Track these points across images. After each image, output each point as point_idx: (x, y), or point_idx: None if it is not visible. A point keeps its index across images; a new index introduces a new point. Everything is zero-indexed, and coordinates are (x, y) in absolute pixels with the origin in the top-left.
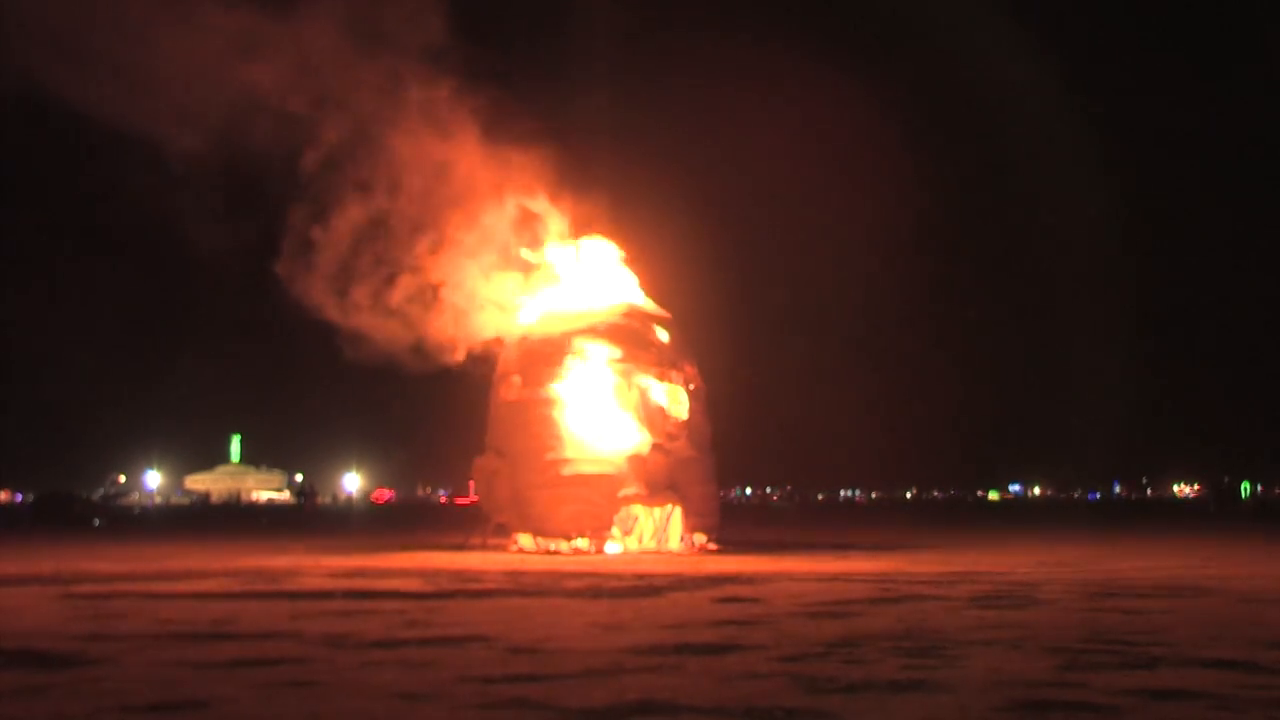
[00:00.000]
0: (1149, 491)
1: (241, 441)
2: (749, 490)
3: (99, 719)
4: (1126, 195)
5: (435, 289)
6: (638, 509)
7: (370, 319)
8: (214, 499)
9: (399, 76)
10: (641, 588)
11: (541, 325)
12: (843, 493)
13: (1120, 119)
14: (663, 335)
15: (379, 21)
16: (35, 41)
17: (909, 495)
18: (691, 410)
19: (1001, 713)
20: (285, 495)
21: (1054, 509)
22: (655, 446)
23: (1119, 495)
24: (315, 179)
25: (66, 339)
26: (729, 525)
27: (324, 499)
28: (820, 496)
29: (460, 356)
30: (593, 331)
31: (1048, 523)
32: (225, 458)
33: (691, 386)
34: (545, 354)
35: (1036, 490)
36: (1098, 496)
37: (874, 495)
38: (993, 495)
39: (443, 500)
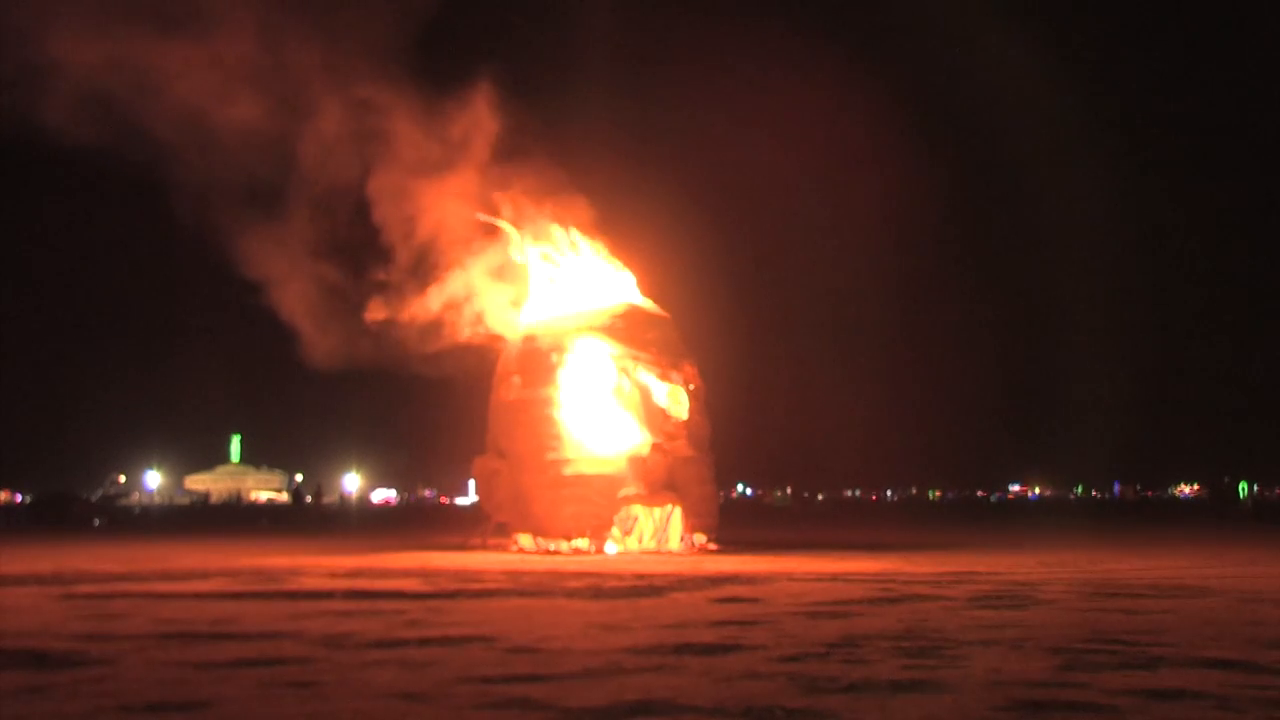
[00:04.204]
0: (1148, 493)
1: (241, 441)
2: (748, 490)
3: (99, 719)
4: (1127, 195)
5: (435, 289)
6: (637, 509)
7: (369, 321)
8: (214, 499)
9: (393, 75)
10: (641, 588)
11: (541, 325)
12: (847, 492)
13: (1123, 118)
14: (662, 335)
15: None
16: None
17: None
18: (691, 410)
19: (1001, 713)
20: (284, 495)
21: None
22: (655, 446)
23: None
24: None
25: (66, 339)
26: (729, 525)
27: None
28: (820, 496)
29: (460, 357)
30: (593, 331)
31: (1041, 523)
32: (225, 458)
33: (691, 386)
34: (545, 354)
35: (1036, 490)
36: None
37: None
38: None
39: (443, 501)
